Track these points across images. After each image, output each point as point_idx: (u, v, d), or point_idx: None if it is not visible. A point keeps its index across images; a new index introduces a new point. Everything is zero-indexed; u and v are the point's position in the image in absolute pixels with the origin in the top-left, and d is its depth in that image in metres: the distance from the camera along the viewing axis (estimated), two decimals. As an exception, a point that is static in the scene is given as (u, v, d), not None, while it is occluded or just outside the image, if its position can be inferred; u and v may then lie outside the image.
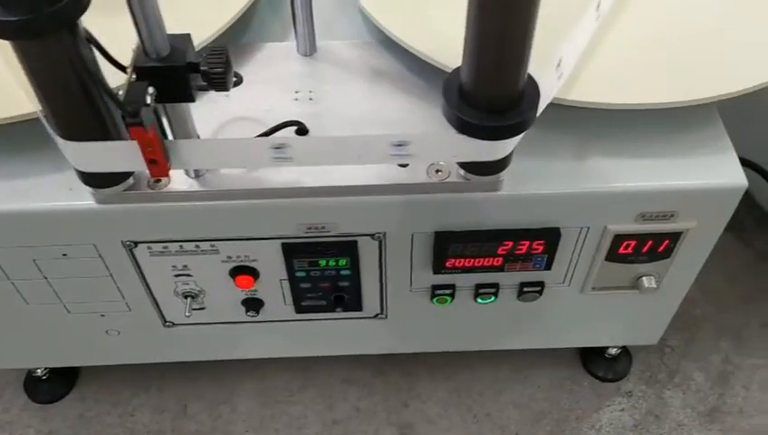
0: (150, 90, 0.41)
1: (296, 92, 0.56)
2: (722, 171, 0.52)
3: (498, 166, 0.49)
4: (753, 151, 0.82)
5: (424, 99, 0.55)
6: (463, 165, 0.50)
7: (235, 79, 0.51)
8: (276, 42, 0.60)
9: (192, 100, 0.44)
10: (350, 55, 0.59)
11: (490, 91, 0.43)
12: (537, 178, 0.52)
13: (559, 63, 0.50)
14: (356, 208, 0.52)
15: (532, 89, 0.45)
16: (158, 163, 0.43)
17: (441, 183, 0.51)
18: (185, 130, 0.47)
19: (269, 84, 0.57)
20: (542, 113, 0.48)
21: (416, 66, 0.56)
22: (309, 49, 0.59)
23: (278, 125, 0.52)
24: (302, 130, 0.53)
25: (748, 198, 0.88)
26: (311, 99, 0.56)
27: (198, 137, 0.49)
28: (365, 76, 0.57)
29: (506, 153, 0.46)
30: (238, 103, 0.56)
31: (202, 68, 0.43)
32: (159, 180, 0.50)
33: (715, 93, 0.51)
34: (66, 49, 0.39)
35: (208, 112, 0.54)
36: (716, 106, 0.55)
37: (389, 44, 0.57)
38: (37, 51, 0.39)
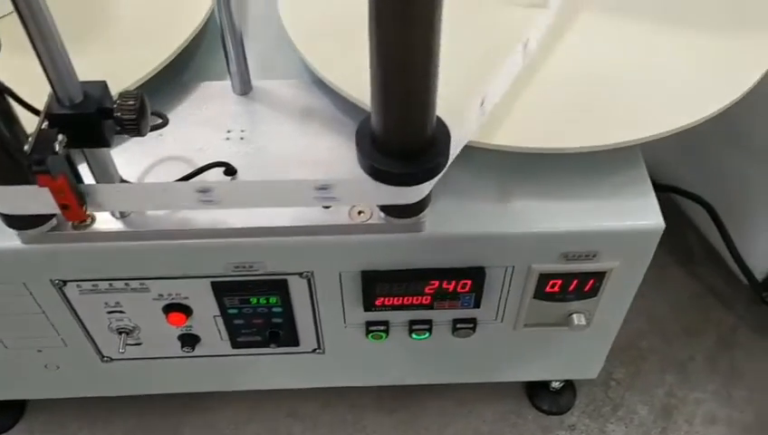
0: (60, 137, 0.42)
1: (228, 132, 0.57)
2: (640, 214, 0.53)
3: (416, 208, 0.50)
4: (699, 185, 0.83)
5: (352, 139, 0.56)
6: (382, 207, 0.51)
7: (160, 120, 0.52)
8: (216, 80, 0.61)
9: (108, 145, 0.45)
10: (284, 95, 0.60)
11: (399, 139, 0.44)
12: (461, 219, 0.53)
13: (482, 102, 0.51)
14: (281, 248, 0.53)
15: (443, 134, 0.46)
16: (71, 208, 0.44)
17: (363, 224, 0.51)
18: (106, 173, 0.48)
19: (203, 123, 0.58)
20: (467, 154, 0.50)
21: (345, 106, 0.57)
22: (244, 88, 0.60)
23: (204, 166, 0.53)
24: (229, 171, 0.54)
25: (695, 230, 0.89)
26: (242, 138, 0.57)
27: (121, 178, 0.50)
28: (297, 116, 0.58)
29: (421, 197, 0.47)
30: (171, 142, 0.56)
31: (115, 114, 0.44)
32: (83, 220, 0.51)
33: (638, 137, 0.52)
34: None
35: (140, 151, 0.55)
36: (640, 148, 0.56)
37: (322, 84, 0.58)
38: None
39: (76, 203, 0.44)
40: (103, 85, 0.44)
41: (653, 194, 0.54)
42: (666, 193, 0.86)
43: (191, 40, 0.60)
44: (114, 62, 0.59)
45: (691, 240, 0.89)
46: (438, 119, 0.46)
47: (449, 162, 0.46)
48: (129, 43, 0.60)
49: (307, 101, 0.59)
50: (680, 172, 0.85)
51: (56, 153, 0.41)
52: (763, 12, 0.61)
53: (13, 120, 0.43)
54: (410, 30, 0.38)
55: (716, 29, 0.60)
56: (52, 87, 0.42)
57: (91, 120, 0.43)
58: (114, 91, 0.54)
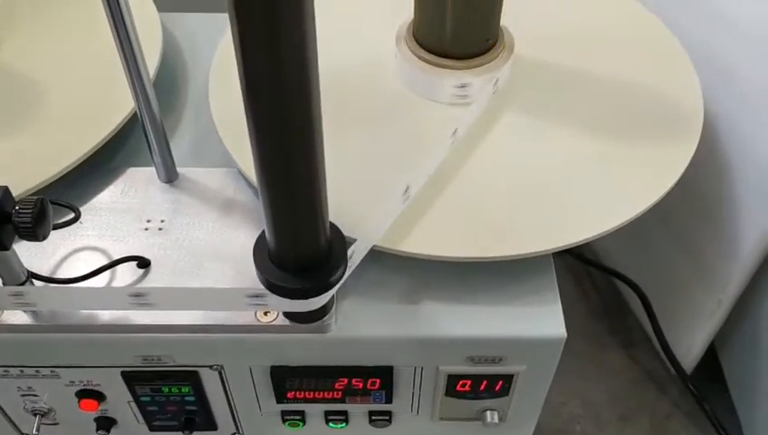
0: (-46, 245, 0.43)
1: (148, 222, 0.58)
2: (544, 323, 0.53)
3: (317, 314, 0.51)
4: (636, 271, 0.84)
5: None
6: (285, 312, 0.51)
7: (73, 215, 0.53)
8: (145, 166, 0.62)
9: (6, 249, 0.45)
10: (210, 184, 0.61)
11: (290, 255, 0.45)
12: (368, 321, 0.53)
13: (406, 190, 0.52)
14: (189, 344, 0.54)
15: (340, 246, 0.47)
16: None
17: (268, 325, 0.52)
18: (10, 272, 0.49)
19: (124, 212, 0.59)
20: (376, 256, 0.51)
21: (264, 201, 0.58)
22: (169, 176, 0.61)
23: (116, 260, 0.54)
24: (142, 264, 0.55)
25: (632, 315, 0.90)
26: (160, 229, 0.57)
27: (29, 273, 0.51)
28: (219, 207, 0.59)
29: (318, 307, 0.48)
30: (90, 231, 0.57)
31: (13, 220, 0.44)
32: (-8, 313, 0.52)
33: (550, 247, 0.53)
34: None
35: (59, 240, 0.56)
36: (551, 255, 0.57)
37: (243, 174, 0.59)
38: None
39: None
40: (4, 190, 0.45)
41: (559, 303, 0.54)
42: (608, 276, 0.87)
43: (122, 126, 0.61)
44: (43, 148, 0.60)
45: (632, 323, 0.89)
46: (336, 230, 0.47)
47: (345, 276, 0.47)
48: (59, 129, 0.62)
49: (231, 192, 0.60)
50: (621, 257, 0.86)
51: (-54, 262, 0.42)
52: (679, 121, 0.63)
53: None
54: (289, 159, 0.39)
55: (633, 137, 0.61)
56: (-52, 195, 0.43)
57: (-13, 226, 0.44)
58: (40, 178, 0.57)
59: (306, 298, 0.46)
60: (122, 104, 0.62)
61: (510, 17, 0.64)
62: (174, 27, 0.77)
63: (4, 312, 0.52)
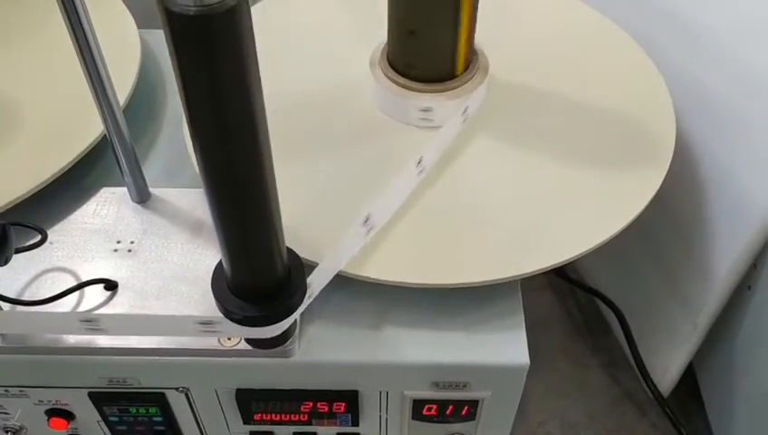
0: None
1: (118, 243, 0.58)
2: (507, 350, 0.53)
3: (279, 340, 0.51)
4: (616, 291, 0.84)
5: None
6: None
7: (39, 237, 0.53)
8: (118, 185, 0.63)
9: (-34, 274, 0.46)
10: (181, 204, 0.61)
11: (246, 284, 0.45)
12: (331, 346, 0.53)
13: (366, 220, 0.52)
14: (152, 367, 0.54)
15: (299, 274, 0.47)
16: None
17: (231, 349, 0.52)
18: (-26, 294, 0.49)
19: (95, 232, 0.59)
20: (341, 280, 0.51)
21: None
22: (141, 196, 0.61)
23: (83, 282, 0.54)
24: (109, 286, 0.55)
25: (613, 335, 0.90)
26: (129, 250, 0.58)
27: (-5, 296, 0.51)
28: (188, 227, 0.59)
29: (277, 333, 0.48)
30: (60, 251, 0.57)
31: (-26, 246, 0.45)
32: (-42, 334, 0.52)
33: (517, 273, 0.53)
34: None
35: (28, 260, 0.56)
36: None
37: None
38: None
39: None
40: (-34, 216, 0.46)
41: (523, 329, 0.54)
42: (589, 296, 0.87)
43: (96, 144, 0.62)
44: (16, 166, 0.61)
45: (614, 342, 0.89)
46: (294, 255, 0.47)
47: (305, 304, 0.47)
48: (32, 147, 0.62)
49: (201, 213, 0.60)
50: (603, 277, 0.86)
51: None
52: (651, 146, 0.63)
53: None
54: (234, 184, 0.39)
55: (605, 161, 0.61)
56: None
57: (-54, 252, 0.44)
58: (12, 196, 0.57)
59: (262, 326, 0.46)
60: (95, 123, 0.62)
61: (486, 40, 0.65)
62: (155, 43, 0.77)
63: (-29, 333, 0.52)
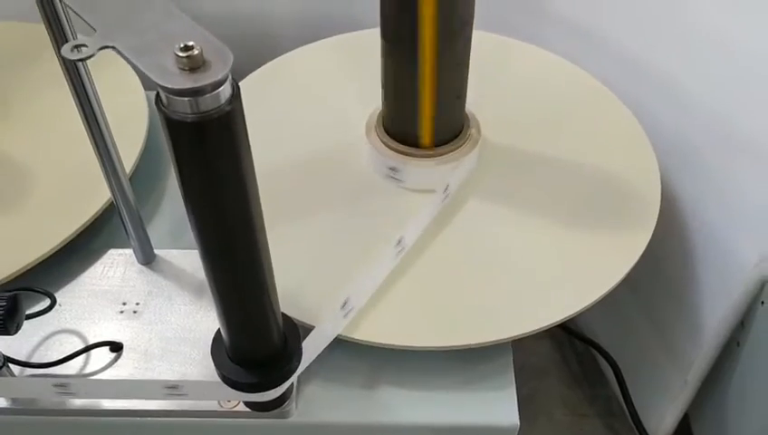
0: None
1: (123, 304, 0.61)
2: (498, 411, 0.55)
3: (276, 403, 0.53)
4: (612, 343, 0.86)
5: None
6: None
7: (49, 301, 0.55)
8: (124, 247, 0.65)
9: (-23, 342, 0.48)
10: (185, 266, 0.64)
11: (244, 352, 0.47)
12: (327, 406, 0.55)
13: (345, 303, 0.54)
14: (155, 428, 0.56)
15: (294, 339, 0.49)
16: (-63, 401, 0.47)
17: (230, 411, 0.54)
18: (-14, 358, 0.52)
19: (101, 295, 0.61)
20: (339, 345, 0.54)
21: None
22: (146, 258, 0.64)
23: (89, 346, 0.56)
24: (115, 348, 0.57)
25: (610, 385, 0.91)
26: (135, 312, 0.60)
27: (5, 357, 0.53)
28: (191, 288, 0.62)
29: (273, 398, 0.50)
30: (67, 314, 0.60)
31: (-14, 316, 0.47)
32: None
33: (508, 335, 0.56)
34: None
35: (37, 323, 0.58)
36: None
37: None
38: None
39: (-58, 397, 0.47)
40: (-23, 287, 0.48)
41: (513, 390, 0.56)
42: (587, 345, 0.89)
43: (105, 208, 0.64)
44: (25, 232, 0.63)
45: (611, 392, 0.90)
46: (290, 323, 0.50)
47: (304, 366, 0.50)
48: (41, 213, 0.65)
49: (204, 274, 0.62)
50: (599, 328, 0.88)
51: None
52: (638, 205, 0.65)
53: None
54: (232, 266, 0.42)
55: (593, 222, 0.63)
56: (-76, 295, 0.46)
57: (-40, 323, 0.47)
58: (22, 263, 0.60)
59: (260, 392, 0.48)
60: (103, 188, 0.64)
61: (476, 102, 0.67)
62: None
63: (-20, 395, 0.54)
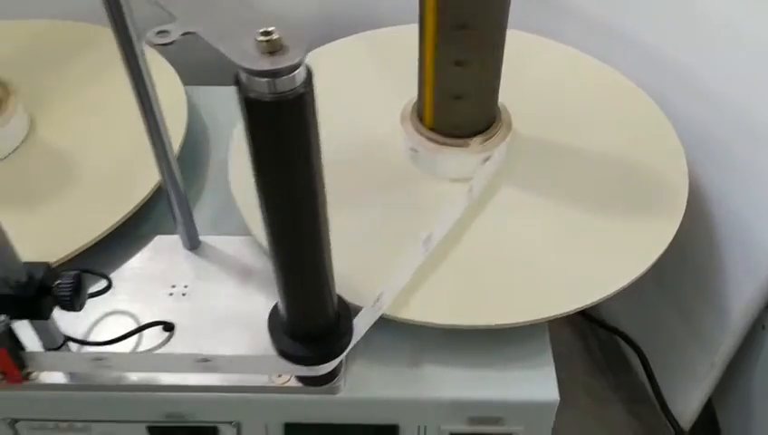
0: (2, 317, 0.48)
1: (173, 287, 0.63)
2: (538, 387, 0.57)
3: (327, 378, 0.55)
4: (637, 330, 0.88)
5: (282, 301, 0.62)
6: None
7: (106, 284, 0.58)
8: (170, 233, 0.68)
9: (45, 319, 0.51)
10: (229, 252, 0.66)
11: (301, 327, 0.49)
12: (374, 383, 0.58)
13: (389, 286, 0.57)
14: (209, 403, 0.58)
15: (346, 317, 0.51)
16: (9, 374, 0.49)
17: (281, 386, 0.56)
18: (47, 335, 0.54)
19: (151, 278, 0.64)
20: (384, 324, 0.56)
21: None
22: (192, 244, 0.66)
23: (143, 325, 0.59)
24: (167, 328, 0.60)
25: (634, 372, 0.93)
26: (184, 294, 0.62)
27: (65, 337, 0.56)
28: (237, 274, 0.64)
29: (325, 372, 0.52)
30: (120, 296, 0.62)
31: (53, 293, 0.50)
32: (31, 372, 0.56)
33: (544, 316, 0.58)
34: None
35: (92, 304, 0.61)
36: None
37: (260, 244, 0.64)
38: None
39: (14, 370, 0.50)
40: (45, 267, 0.51)
41: (552, 367, 0.58)
42: (610, 333, 0.91)
43: (150, 196, 0.67)
44: (76, 218, 0.66)
45: (635, 380, 0.92)
46: (342, 302, 0.52)
47: (352, 344, 0.52)
48: (90, 200, 0.67)
49: (248, 260, 0.65)
50: (623, 316, 0.90)
51: (-4, 333, 0.47)
52: (666, 195, 0.67)
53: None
54: (297, 241, 0.44)
55: (621, 212, 0.66)
56: (-2, 272, 0.48)
57: (33, 299, 0.49)
58: (74, 247, 0.62)
59: (314, 365, 0.51)
60: (149, 176, 0.67)
61: (505, 95, 0.69)
62: (198, 99, 0.82)
63: (42, 372, 0.56)
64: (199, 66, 0.71)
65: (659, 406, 0.81)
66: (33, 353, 0.52)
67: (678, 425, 0.81)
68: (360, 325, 0.53)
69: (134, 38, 0.49)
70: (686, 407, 0.80)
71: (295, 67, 0.35)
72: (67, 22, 0.86)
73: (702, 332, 0.77)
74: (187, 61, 0.77)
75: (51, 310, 0.51)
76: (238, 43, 0.35)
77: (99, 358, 0.51)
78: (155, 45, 0.36)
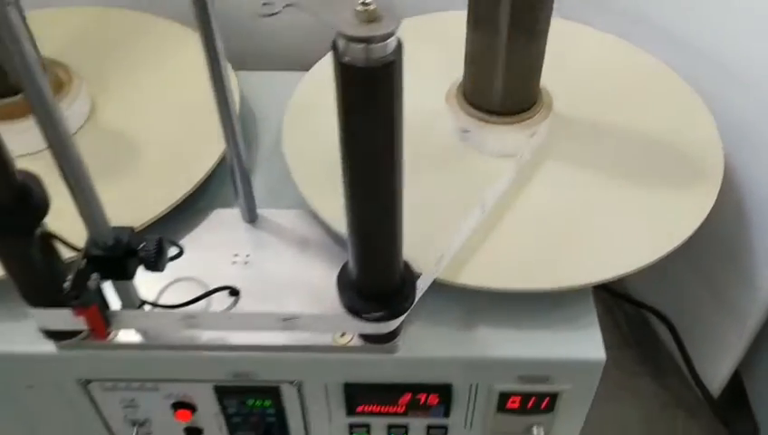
0: (94, 276, 0.51)
1: (235, 256, 0.67)
2: (585, 346, 0.61)
3: (389, 336, 0.58)
4: (666, 304, 0.91)
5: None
6: (361, 333, 0.59)
7: (176, 251, 0.61)
8: (227, 207, 0.71)
9: (131, 278, 0.54)
10: (286, 223, 0.69)
11: (370, 285, 0.53)
12: (430, 343, 0.61)
13: (445, 250, 0.60)
14: (274, 362, 0.62)
15: (411, 278, 0.55)
16: (97, 330, 0.53)
17: (344, 346, 0.60)
18: (127, 297, 0.58)
19: (213, 248, 0.67)
20: (438, 288, 0.59)
21: (336, 239, 0.66)
22: (250, 217, 0.69)
23: (211, 290, 0.62)
24: (233, 293, 0.63)
25: (664, 347, 0.96)
26: (246, 262, 0.66)
27: (141, 300, 0.60)
28: (295, 244, 0.68)
29: (390, 330, 0.56)
30: (188, 265, 0.65)
31: (139, 255, 0.53)
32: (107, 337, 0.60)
33: (588, 281, 0.61)
34: (26, 246, 0.49)
35: (163, 274, 0.64)
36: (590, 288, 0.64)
37: (318, 217, 0.68)
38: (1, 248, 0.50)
39: (102, 327, 0.53)
40: (130, 231, 0.54)
41: (598, 329, 0.62)
42: (637, 308, 0.94)
43: (210, 173, 0.70)
44: (141, 194, 0.69)
45: (663, 352, 0.96)
46: (407, 265, 0.55)
47: (415, 302, 0.55)
48: (153, 177, 0.71)
49: (305, 231, 0.69)
50: (651, 290, 0.93)
51: (90, 289, 0.51)
52: (701, 171, 0.70)
53: (57, 258, 0.53)
54: (378, 206, 0.47)
55: (660, 185, 0.69)
56: (90, 234, 0.52)
57: (120, 260, 0.53)
58: (142, 219, 0.66)
59: (382, 322, 0.54)
60: (206, 154, 0.71)
61: (546, 77, 0.73)
62: (243, 83, 0.86)
63: (119, 331, 0.60)
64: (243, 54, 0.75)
65: (689, 372, 0.85)
66: (121, 312, 0.56)
67: (708, 391, 0.84)
68: (423, 283, 0.57)
69: (213, 18, 0.53)
70: (715, 375, 0.84)
71: (389, 35, 0.39)
72: (119, 8, 0.89)
73: (730, 301, 0.80)
74: (231, 46, 0.80)
75: (135, 271, 0.54)
76: (338, 11, 0.39)
77: (189, 316, 0.54)
78: (262, 16, 0.39)
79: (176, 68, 0.82)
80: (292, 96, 0.79)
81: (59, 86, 0.73)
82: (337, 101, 0.42)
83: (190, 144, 0.73)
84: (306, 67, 0.82)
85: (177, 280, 0.64)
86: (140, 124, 0.76)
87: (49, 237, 0.51)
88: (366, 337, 0.59)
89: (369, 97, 0.41)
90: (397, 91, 0.41)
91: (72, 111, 0.74)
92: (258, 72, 0.89)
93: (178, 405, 0.66)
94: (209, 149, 0.71)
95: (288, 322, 0.54)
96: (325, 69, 0.81)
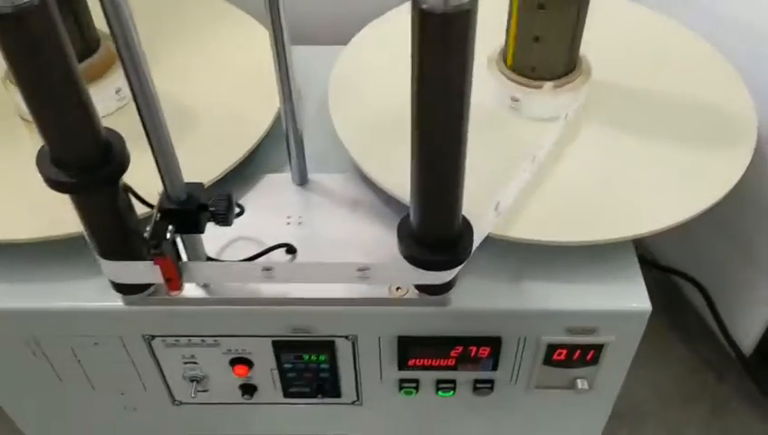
0: (170, 227, 0.54)
1: (288, 217, 0.69)
2: (631, 298, 0.63)
3: (445, 287, 0.61)
4: (696, 268, 0.94)
5: (391, 228, 0.67)
6: (416, 285, 0.62)
7: (238, 210, 0.64)
8: (276, 172, 0.74)
9: (202, 232, 0.57)
10: (336, 187, 0.72)
11: (433, 234, 0.55)
12: (481, 296, 0.64)
13: (497, 206, 0.63)
14: (332, 316, 0.64)
15: (468, 230, 0.57)
16: (173, 281, 0.56)
17: (400, 298, 0.62)
18: (196, 252, 0.60)
19: (267, 210, 0.70)
20: (487, 242, 0.61)
21: (386, 199, 0.69)
22: (301, 180, 0.72)
23: (271, 247, 0.65)
24: (290, 250, 0.66)
25: (693, 313, 0.99)
26: (300, 223, 0.68)
27: (207, 256, 0.62)
28: (346, 206, 0.70)
29: (448, 280, 0.58)
30: (243, 226, 0.68)
31: (210, 209, 0.56)
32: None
33: (629, 234, 0.63)
34: (107, 199, 0.52)
35: (219, 232, 0.66)
36: (632, 242, 0.67)
37: (367, 179, 0.70)
38: (85, 201, 0.52)
39: (177, 277, 0.56)
40: (201, 186, 0.57)
41: (642, 280, 0.64)
42: (667, 274, 0.97)
43: (260, 141, 0.73)
44: (200, 159, 0.71)
45: (691, 317, 0.98)
46: (464, 218, 0.58)
47: (472, 252, 0.58)
48: (208, 143, 0.73)
49: (355, 193, 0.71)
50: (679, 255, 0.95)
51: (167, 240, 0.53)
52: (736, 134, 0.73)
53: (133, 212, 0.55)
54: (445, 154, 0.50)
55: (696, 147, 0.71)
56: (165, 188, 0.55)
57: (193, 213, 0.55)
58: (210, 176, 0.68)
59: (442, 270, 0.57)
60: (257, 122, 0.73)
61: (584, 46, 0.75)
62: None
63: (184, 288, 0.63)
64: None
65: (720, 332, 0.87)
66: (197, 264, 0.58)
67: (740, 350, 0.87)
68: (479, 234, 0.59)
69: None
70: (747, 334, 0.86)
71: (466, -15, 0.41)
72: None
73: (760, 259, 0.83)
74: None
75: (205, 224, 0.57)
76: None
77: (267, 268, 0.57)
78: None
79: (220, 43, 0.85)
80: (334, 67, 0.81)
81: (113, 58, 0.76)
82: (412, 48, 0.44)
83: (240, 114, 0.76)
84: (341, 42, 0.85)
85: (234, 239, 0.67)
86: (193, 95, 0.78)
87: (128, 192, 0.54)
88: (421, 289, 0.61)
89: (446, 43, 0.43)
90: (471, 38, 0.44)
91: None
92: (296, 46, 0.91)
93: (237, 361, 0.69)
94: (258, 118, 0.74)
95: (362, 271, 0.57)
96: (364, 41, 0.85)
